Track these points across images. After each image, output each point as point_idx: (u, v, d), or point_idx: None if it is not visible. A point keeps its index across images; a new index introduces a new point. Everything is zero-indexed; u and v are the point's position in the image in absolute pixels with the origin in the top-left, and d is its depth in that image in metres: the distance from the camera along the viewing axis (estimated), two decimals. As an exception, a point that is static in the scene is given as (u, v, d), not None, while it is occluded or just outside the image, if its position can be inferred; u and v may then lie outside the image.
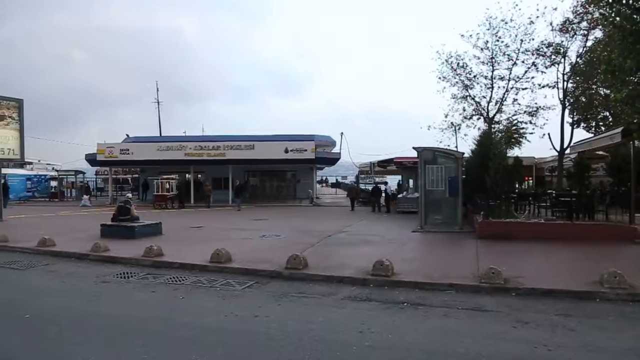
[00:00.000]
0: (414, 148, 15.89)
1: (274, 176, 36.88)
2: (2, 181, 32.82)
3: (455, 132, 27.59)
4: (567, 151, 22.59)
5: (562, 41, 22.75)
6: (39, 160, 55.93)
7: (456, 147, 27.14)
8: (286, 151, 28.86)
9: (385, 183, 27.65)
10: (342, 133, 38.54)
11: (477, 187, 15.49)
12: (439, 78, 26.01)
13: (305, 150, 28.99)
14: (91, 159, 32.92)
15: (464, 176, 15.93)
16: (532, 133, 25.03)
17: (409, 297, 7.35)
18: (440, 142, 26.75)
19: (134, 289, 8.34)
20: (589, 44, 22.09)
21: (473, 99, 25.78)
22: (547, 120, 24.61)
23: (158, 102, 51.82)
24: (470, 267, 9.12)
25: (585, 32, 21.93)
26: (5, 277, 9.55)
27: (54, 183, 41.16)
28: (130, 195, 17.05)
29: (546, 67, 23.52)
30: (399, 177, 32.56)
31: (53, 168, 52.37)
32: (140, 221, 14.69)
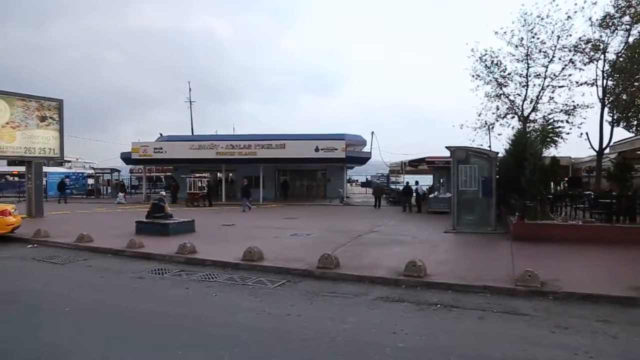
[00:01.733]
0: (446, 147, 15.67)
1: (304, 175, 36.98)
2: (61, 179, 34.13)
3: (489, 131, 27.03)
4: (607, 151, 21.82)
5: (601, 37, 21.99)
6: (77, 159, 57.78)
7: (489, 146, 26.63)
8: (317, 150, 28.89)
9: (416, 183, 27.29)
10: (372, 132, 38.33)
11: (511, 187, 15.16)
12: (472, 76, 25.54)
13: (336, 149, 28.95)
14: (126, 158, 33.74)
15: (497, 176, 15.61)
16: (568, 133, 24.31)
17: (442, 299, 7.25)
18: (473, 141, 26.24)
19: (168, 285, 8.48)
20: (631, 39, 21.28)
21: (507, 97, 25.18)
22: (584, 119, 23.82)
23: (190, 102, 52.71)
24: (504, 269, 8.92)
25: (628, 27, 21.11)
26: (47, 271, 9.87)
27: (90, 181, 42.39)
28: (164, 193, 17.36)
29: (584, 64, 22.76)
30: (429, 177, 32.16)
31: (90, 166, 53.99)
32: (173, 218, 14.95)
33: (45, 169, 25.71)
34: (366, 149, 37.28)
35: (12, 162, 37.20)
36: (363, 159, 34.18)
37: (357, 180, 63.60)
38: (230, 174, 35.23)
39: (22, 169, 26.26)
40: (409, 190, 25.53)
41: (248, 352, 5.11)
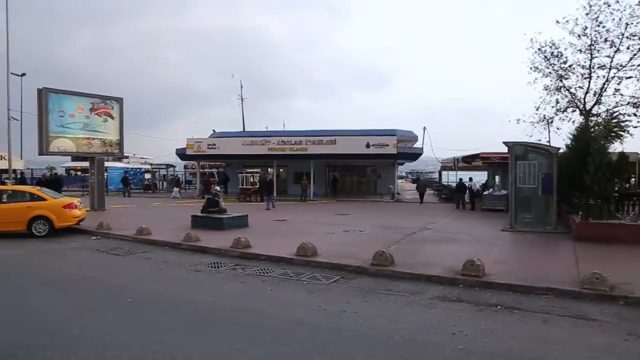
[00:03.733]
0: (504, 143, 15.13)
1: (354, 171, 36.83)
2: (124, 175, 35.68)
3: (548, 126, 25.87)
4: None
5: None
6: (134, 155, 60.02)
7: (548, 141, 25.51)
8: (368, 146, 28.66)
9: (470, 179, 26.58)
10: (424, 128, 37.62)
11: (573, 184, 14.44)
12: (531, 68, 24.52)
13: (387, 145, 28.62)
14: (181, 153, 34.74)
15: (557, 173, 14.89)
16: (636, 127, 22.88)
17: (503, 300, 6.98)
18: (531, 136, 25.16)
19: (223, 278, 8.63)
20: None
21: (568, 90, 24.02)
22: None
23: (242, 99, 53.77)
24: (568, 270, 8.51)
25: None
26: (109, 263, 10.30)
27: (147, 176, 43.96)
28: (218, 188, 17.71)
29: (656, 53, 21.36)
30: (483, 174, 31.25)
31: (146, 162, 56.02)
32: (227, 213, 15.23)
33: (105, 164, 26.85)
34: (418, 144, 36.67)
35: (75, 157, 39.07)
36: (414, 155, 33.65)
37: (407, 177, 62.90)
38: (281, 170, 35.57)
39: (85, 164, 27.54)
40: (462, 187, 24.91)
41: (305, 347, 5.10)
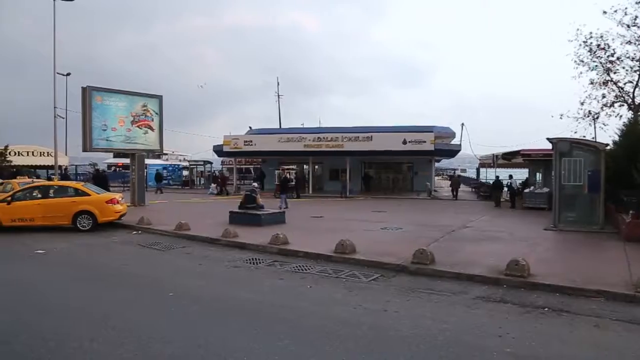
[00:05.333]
0: (548, 139, 14.62)
1: (390, 168, 36.48)
2: (156, 171, 36.57)
3: (593, 122, 24.91)
4: None
5: None
6: (173, 152, 61.27)
7: (593, 137, 24.57)
8: (404, 142, 28.32)
9: (510, 177, 25.91)
10: (462, 124, 36.91)
11: (622, 182, 13.83)
12: (575, 62, 23.62)
13: (424, 141, 28.20)
14: (218, 150, 35.21)
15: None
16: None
17: (550, 302, 6.73)
18: (575, 132, 24.24)
19: (262, 275, 8.66)
20: None
21: (615, 84, 23.06)
22: None
23: (278, 96, 54.17)
24: (620, 273, 8.14)
25: None
26: (151, 257, 10.51)
27: (185, 172, 44.76)
28: (256, 184, 17.86)
29: None
30: (524, 171, 30.42)
31: (184, 158, 57.10)
32: (265, 209, 15.32)
33: (145, 161, 27.48)
34: (455, 141, 36.01)
35: (117, 154, 40.18)
36: (452, 152, 33.05)
37: (443, 174, 61.98)
38: (317, 166, 35.59)
39: (126, 160, 28.24)
40: (499, 184, 24.31)
41: (347, 346, 5.04)
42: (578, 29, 22.94)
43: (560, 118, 25.35)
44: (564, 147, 14.36)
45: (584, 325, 5.83)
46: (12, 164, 32.92)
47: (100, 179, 23.89)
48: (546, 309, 6.43)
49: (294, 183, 29.14)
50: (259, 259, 9.90)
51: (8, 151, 33.19)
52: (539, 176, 26.85)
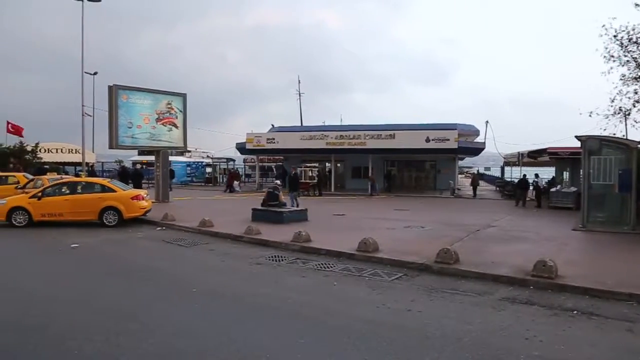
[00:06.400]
0: (576, 137, 14.26)
1: (413, 166, 36.20)
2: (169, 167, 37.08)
3: (625, 119, 24.16)
4: None
5: None
6: (196, 149, 61.93)
7: (624, 135, 23.88)
8: (427, 140, 28.02)
9: (536, 175, 25.38)
10: (487, 121, 36.20)
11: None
12: (605, 57, 22.92)
13: (448, 139, 27.86)
14: (241, 148, 35.42)
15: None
16: None
17: (579, 305, 6.54)
18: (604, 129, 23.55)
19: (285, 272, 8.65)
20: None
21: (649, 78, 22.32)
22: None
23: (299, 94, 54.22)
24: (652, 275, 7.89)
25: None
26: (175, 253, 10.61)
27: (208, 169, 45.15)
28: (278, 182, 17.86)
29: None
30: (550, 170, 29.76)
31: (207, 155, 57.63)
32: (287, 207, 15.33)
33: (169, 158, 27.82)
34: (479, 139, 35.46)
35: (142, 151, 40.78)
36: (476, 150, 32.56)
37: (466, 172, 61.24)
38: (339, 164, 35.51)
39: (151, 158, 28.63)
40: (524, 183, 23.83)
41: (369, 345, 4.99)
42: (604, 26, 22.25)
43: (590, 115, 24.58)
44: (593, 145, 13.99)
45: (615, 329, 5.65)
46: (42, 160, 33.76)
47: (130, 175, 24.43)
48: (575, 312, 6.25)
49: (316, 181, 29.13)
50: (281, 257, 9.90)
51: (38, 148, 34.03)
52: (566, 175, 26.24)
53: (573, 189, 21.28)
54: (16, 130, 31.74)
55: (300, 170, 30.08)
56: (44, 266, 9.25)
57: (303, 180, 29.21)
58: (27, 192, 15.98)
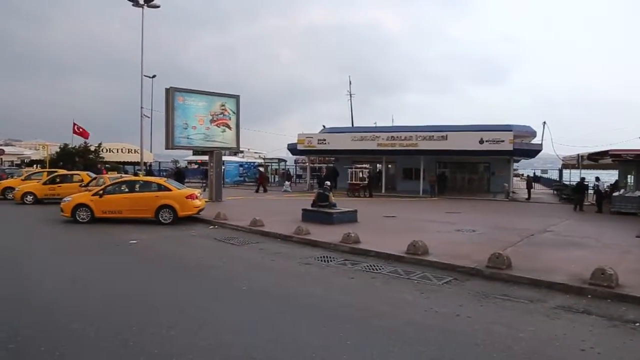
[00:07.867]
0: (641, 139, 13.53)
1: (465, 168, 35.39)
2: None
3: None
4: None
5: None
6: (249, 149, 63.21)
7: (696, 138, 22.39)
8: (481, 142, 27.30)
9: (597, 179, 24.23)
10: (544, 122, 34.73)
11: None
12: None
13: (502, 141, 27.03)
14: (292, 148, 35.81)
15: None
16: None
17: (641, 316, 6.23)
18: (674, 131, 22.27)
19: (333, 273, 8.71)
20: None
21: None
22: None
23: (350, 95, 54.29)
24: None
25: None
26: (227, 251, 10.90)
27: (260, 169, 45.99)
28: (329, 183, 17.95)
29: None
30: (613, 173, 28.30)
31: (260, 156, 58.71)
32: (337, 208, 15.40)
33: (223, 158, 28.57)
34: (536, 140, 34.16)
35: (196, 152, 42.05)
36: (532, 152, 31.37)
37: (522, 174, 59.20)
38: (390, 166, 35.24)
39: (205, 158, 29.53)
40: (582, 187, 22.78)
41: (417, 349, 4.97)
42: None
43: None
44: (660, 147, 13.21)
45: (681, 343, 5.34)
46: (104, 160, 35.58)
47: (178, 174, 25.32)
48: (637, 324, 5.94)
49: (366, 182, 29.04)
50: (330, 257, 9.97)
51: (101, 148, 35.89)
52: (630, 179, 24.88)
53: (638, 193, 20.18)
54: (82, 133, 33.59)
55: (351, 172, 30.08)
56: (103, 261, 9.73)
57: (353, 182, 29.23)
58: (90, 190, 16.91)
